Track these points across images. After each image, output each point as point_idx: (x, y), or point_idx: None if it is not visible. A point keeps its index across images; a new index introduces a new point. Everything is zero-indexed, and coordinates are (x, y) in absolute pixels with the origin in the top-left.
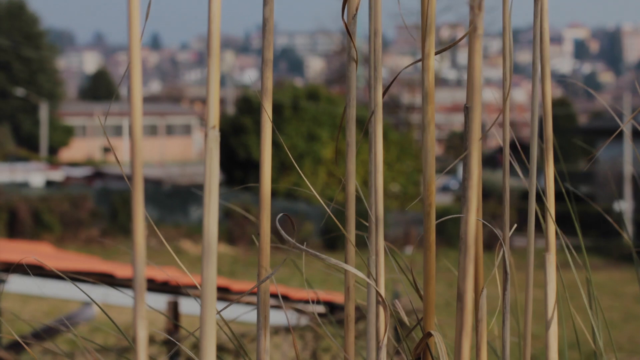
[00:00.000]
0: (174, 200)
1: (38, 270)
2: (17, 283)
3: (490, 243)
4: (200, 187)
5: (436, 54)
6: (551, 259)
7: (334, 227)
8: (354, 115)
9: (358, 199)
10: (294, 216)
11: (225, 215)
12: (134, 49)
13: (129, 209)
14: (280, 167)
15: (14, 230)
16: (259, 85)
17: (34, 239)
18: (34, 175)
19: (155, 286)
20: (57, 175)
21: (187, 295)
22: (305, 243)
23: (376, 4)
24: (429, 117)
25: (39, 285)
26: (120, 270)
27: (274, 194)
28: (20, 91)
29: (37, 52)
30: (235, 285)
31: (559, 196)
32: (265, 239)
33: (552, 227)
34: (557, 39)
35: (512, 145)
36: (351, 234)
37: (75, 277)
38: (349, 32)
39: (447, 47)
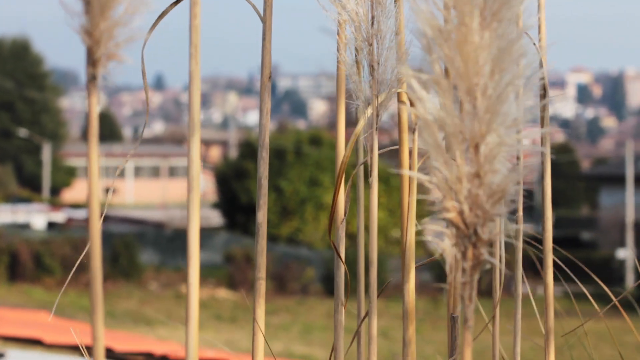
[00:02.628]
0: (175, 243)
1: (38, 345)
2: (15, 358)
3: (491, 289)
4: (203, 230)
5: None
6: None
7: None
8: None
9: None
10: (295, 262)
11: (227, 260)
12: None
13: (131, 252)
14: (282, 212)
15: (15, 274)
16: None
17: (35, 282)
18: (36, 216)
19: None
20: (59, 216)
21: None
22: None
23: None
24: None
25: (39, 358)
26: (119, 342)
27: (275, 239)
28: (23, 131)
29: (41, 93)
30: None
31: (561, 242)
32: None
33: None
34: (560, 84)
35: None
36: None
37: (74, 349)
38: (337, 251)
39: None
